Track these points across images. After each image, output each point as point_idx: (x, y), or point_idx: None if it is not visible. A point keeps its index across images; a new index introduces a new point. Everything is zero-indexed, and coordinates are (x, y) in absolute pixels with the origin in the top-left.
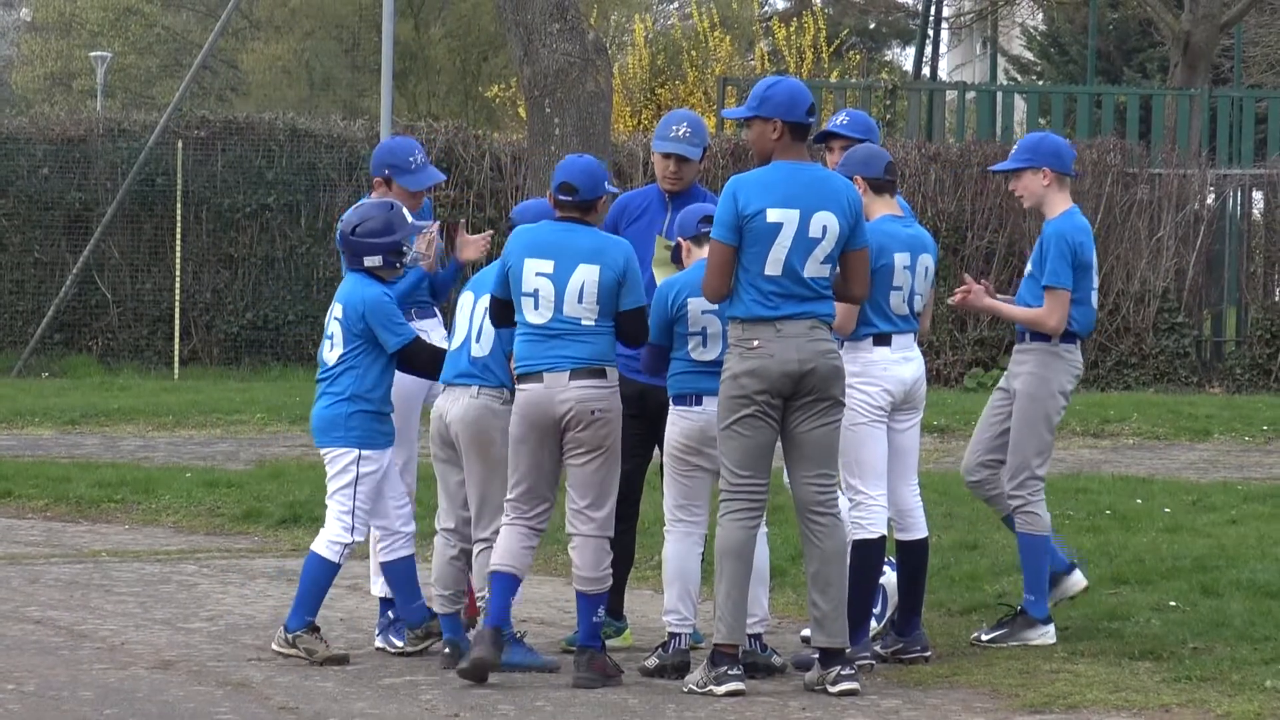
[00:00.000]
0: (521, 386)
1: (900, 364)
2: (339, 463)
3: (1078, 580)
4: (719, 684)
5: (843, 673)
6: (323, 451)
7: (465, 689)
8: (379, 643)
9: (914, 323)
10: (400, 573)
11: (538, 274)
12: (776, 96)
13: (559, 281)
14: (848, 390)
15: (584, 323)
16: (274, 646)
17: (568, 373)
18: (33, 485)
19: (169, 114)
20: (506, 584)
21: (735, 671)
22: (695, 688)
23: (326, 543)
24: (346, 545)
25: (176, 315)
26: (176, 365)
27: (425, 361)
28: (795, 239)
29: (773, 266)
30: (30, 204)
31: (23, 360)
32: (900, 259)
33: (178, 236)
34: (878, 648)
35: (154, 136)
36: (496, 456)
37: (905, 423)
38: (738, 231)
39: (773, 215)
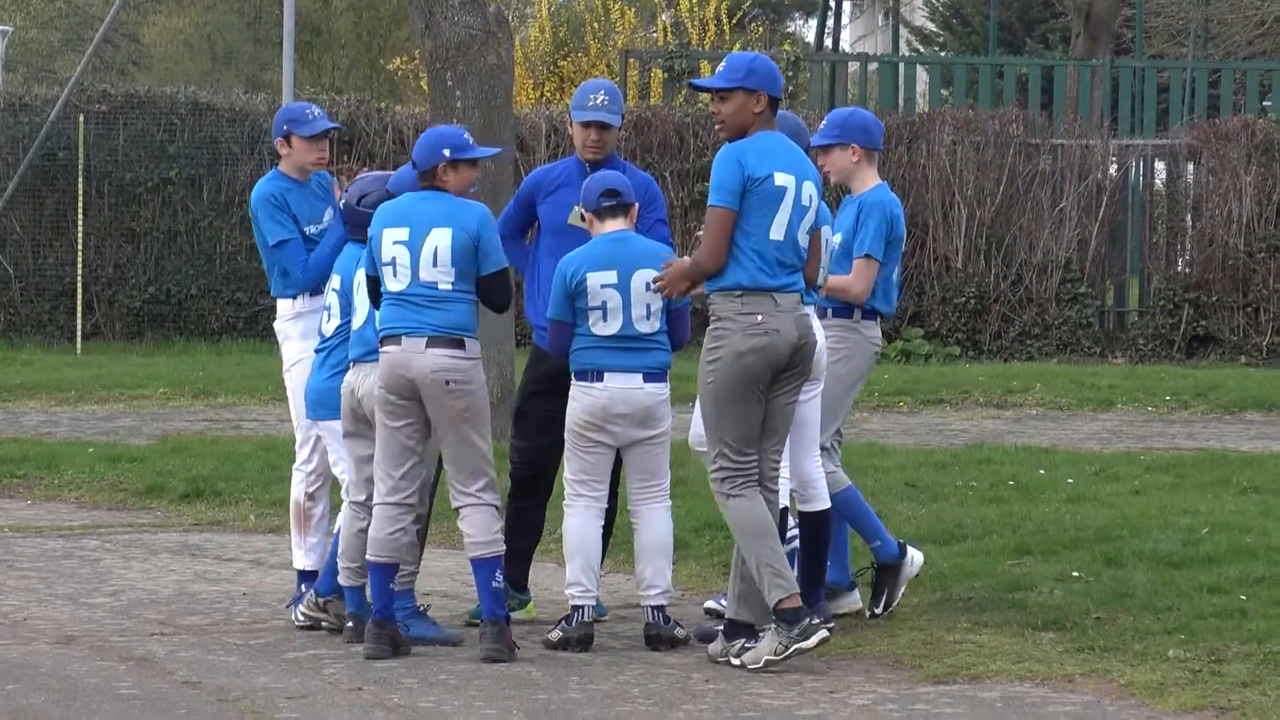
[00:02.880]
0: (383, 350)
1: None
2: (341, 433)
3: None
4: (805, 638)
5: (746, 645)
6: (320, 425)
7: (366, 663)
8: (293, 615)
9: (814, 295)
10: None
11: (395, 242)
12: (762, 69)
13: (413, 247)
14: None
15: (440, 287)
16: (301, 611)
17: (425, 339)
18: None
19: (70, 88)
20: (384, 574)
21: (808, 624)
22: (775, 655)
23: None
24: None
25: (79, 290)
26: (79, 340)
27: None
28: (794, 204)
29: (777, 230)
30: None
31: None
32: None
33: (79, 211)
34: None
35: (55, 111)
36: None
37: (807, 394)
38: (740, 197)
39: (779, 179)
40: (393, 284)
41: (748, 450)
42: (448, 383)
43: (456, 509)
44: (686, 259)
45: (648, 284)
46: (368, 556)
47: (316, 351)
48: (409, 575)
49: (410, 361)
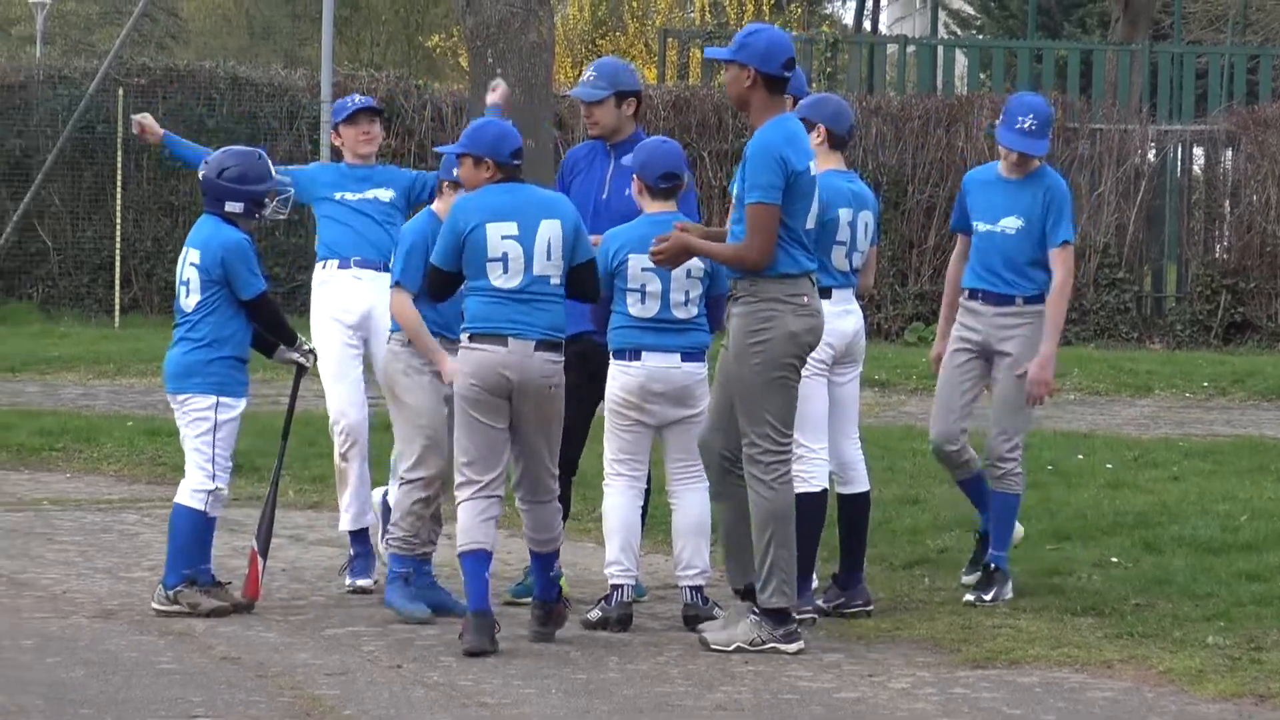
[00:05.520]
0: (479, 347)
1: (841, 317)
2: (195, 410)
3: None
4: (788, 641)
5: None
6: (179, 398)
7: (406, 640)
8: (348, 582)
9: (854, 279)
10: (203, 527)
11: (504, 237)
12: (755, 44)
13: (526, 241)
14: None
15: (552, 281)
16: (154, 606)
17: (534, 342)
18: None
19: (109, 61)
20: (480, 561)
21: (795, 629)
22: (750, 645)
23: (190, 492)
24: (210, 492)
25: (117, 263)
26: (117, 313)
27: (268, 316)
28: (818, 194)
29: (811, 220)
30: None
31: None
32: (845, 214)
33: (118, 184)
34: (820, 601)
35: (95, 84)
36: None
37: (845, 376)
38: (784, 192)
39: (812, 169)
40: (500, 280)
41: (790, 432)
42: (551, 387)
43: (522, 500)
44: (686, 235)
45: (688, 270)
46: (466, 546)
47: (176, 327)
48: (428, 548)
49: (519, 364)
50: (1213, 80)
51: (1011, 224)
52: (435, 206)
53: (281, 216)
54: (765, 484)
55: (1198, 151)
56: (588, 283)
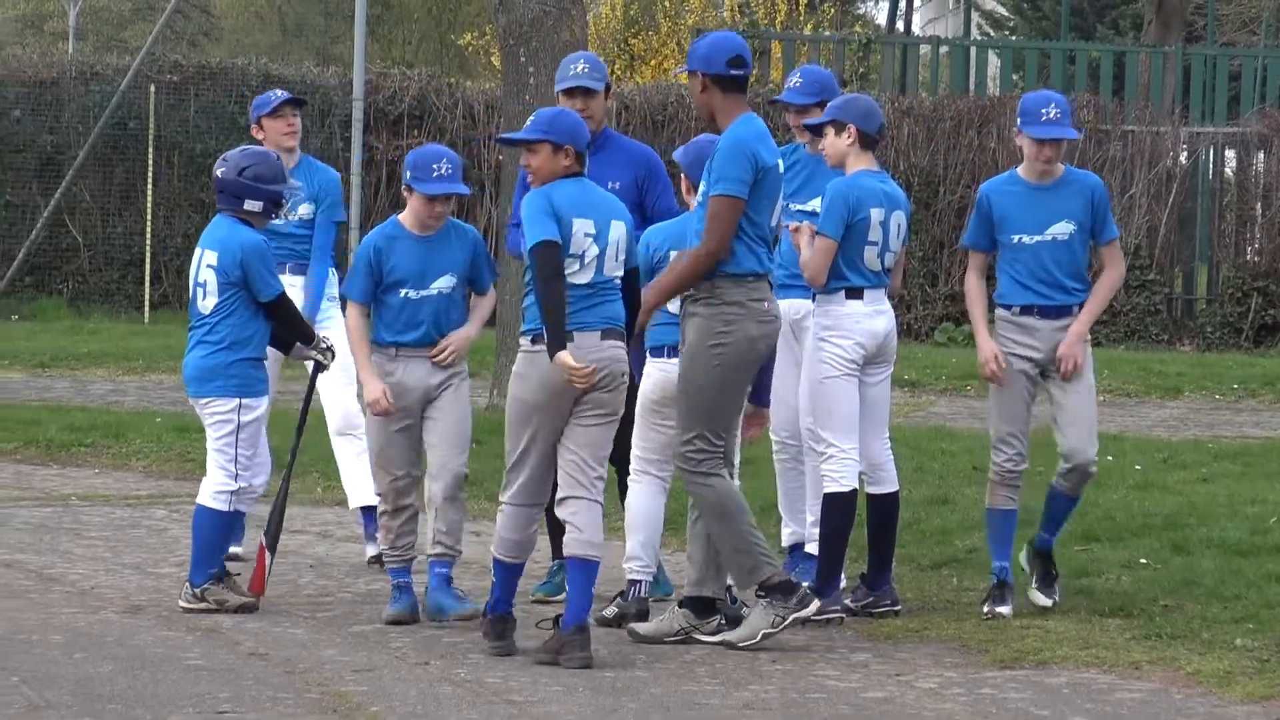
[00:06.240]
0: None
1: (872, 317)
2: (218, 412)
3: None
4: (804, 606)
5: (722, 624)
6: (200, 402)
7: (434, 636)
8: (370, 551)
9: (885, 278)
10: (226, 527)
11: (585, 234)
12: (699, 49)
13: (601, 240)
14: (820, 343)
15: (616, 281)
16: (181, 604)
17: (599, 332)
18: (2, 429)
19: (141, 58)
20: (517, 573)
21: (805, 593)
22: (774, 628)
23: (212, 493)
24: (232, 493)
25: (147, 259)
26: (147, 309)
27: (287, 316)
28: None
29: (773, 217)
30: (1, 146)
31: None
32: (876, 214)
33: (149, 181)
34: (848, 601)
35: (126, 80)
36: None
37: (876, 376)
38: (751, 187)
39: (780, 166)
40: (575, 277)
41: (725, 435)
42: (623, 374)
43: (565, 499)
44: (649, 298)
45: None
46: (507, 556)
47: (192, 329)
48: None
49: (586, 357)
50: (1246, 82)
51: (1063, 230)
52: (403, 217)
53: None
54: (701, 480)
55: (1230, 154)
56: (634, 288)
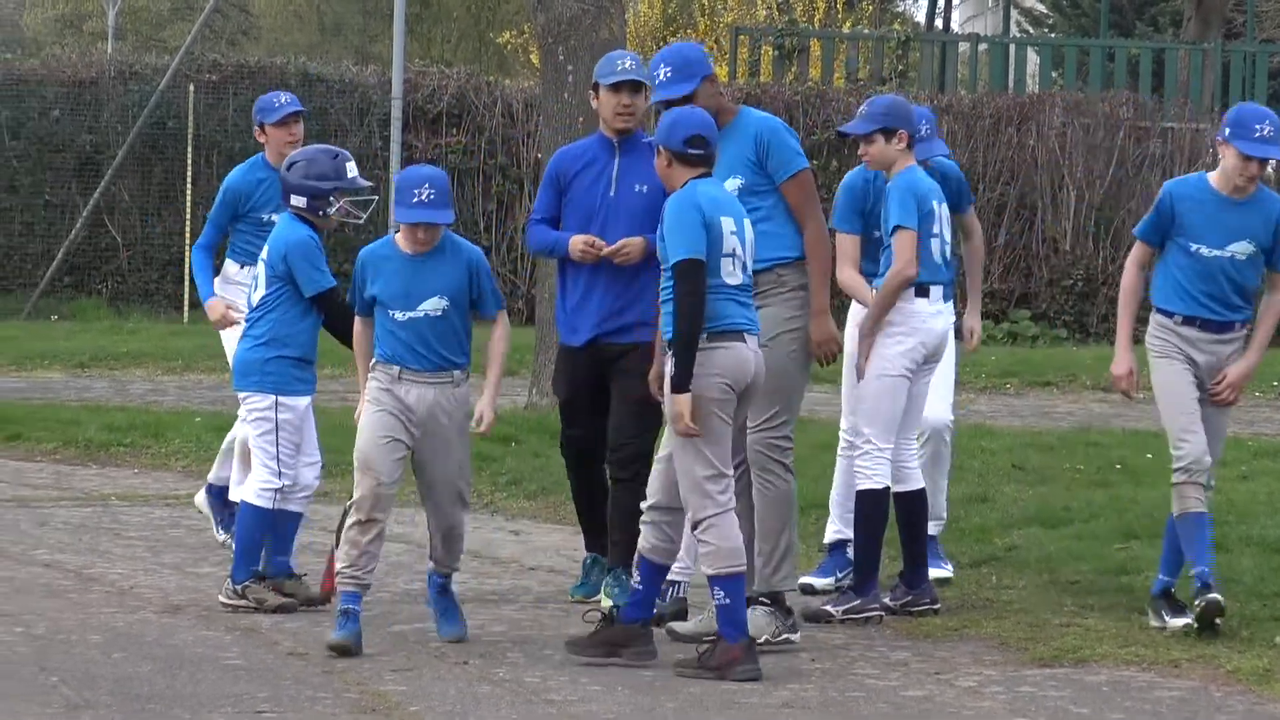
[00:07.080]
0: (725, 345)
1: (935, 317)
2: (256, 409)
3: None
4: (795, 630)
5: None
6: (241, 396)
7: (474, 636)
8: (220, 535)
9: (944, 273)
10: (287, 525)
11: (731, 233)
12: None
13: (742, 240)
14: (884, 340)
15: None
16: (221, 599)
17: (756, 336)
18: (42, 428)
19: (180, 57)
20: (743, 584)
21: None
22: (771, 638)
23: (256, 490)
24: (276, 490)
25: (186, 259)
26: (186, 309)
27: (335, 314)
28: None
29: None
30: (41, 146)
31: (32, 303)
32: (939, 208)
33: (188, 180)
34: (887, 600)
35: (165, 80)
36: None
37: (924, 376)
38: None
39: None
40: (730, 278)
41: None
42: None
43: (700, 520)
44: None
45: None
46: (731, 569)
47: (246, 321)
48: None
49: (754, 359)
50: None
51: (1243, 250)
52: (397, 235)
53: (358, 221)
54: (782, 472)
55: None
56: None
